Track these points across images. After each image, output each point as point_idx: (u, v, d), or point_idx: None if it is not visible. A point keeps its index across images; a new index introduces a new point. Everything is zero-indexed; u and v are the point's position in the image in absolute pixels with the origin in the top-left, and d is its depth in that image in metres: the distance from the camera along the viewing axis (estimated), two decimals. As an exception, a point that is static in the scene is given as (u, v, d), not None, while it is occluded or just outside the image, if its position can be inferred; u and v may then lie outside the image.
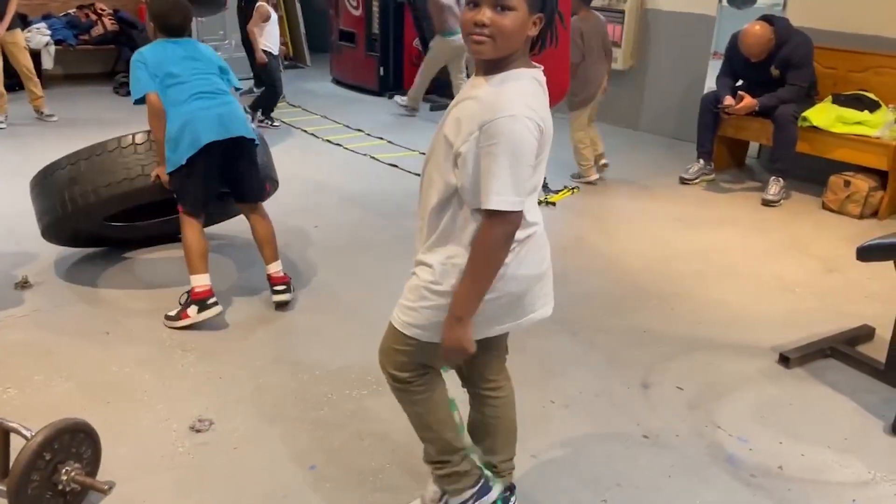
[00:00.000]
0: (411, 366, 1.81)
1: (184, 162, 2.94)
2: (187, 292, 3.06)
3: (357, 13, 7.88)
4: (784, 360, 2.93)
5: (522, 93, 1.55)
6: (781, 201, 4.82)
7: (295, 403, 2.61)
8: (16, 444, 1.98)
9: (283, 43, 6.42)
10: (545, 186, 4.90)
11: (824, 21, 5.09)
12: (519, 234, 1.63)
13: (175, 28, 3.11)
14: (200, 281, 3.04)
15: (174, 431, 2.43)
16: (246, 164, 3.15)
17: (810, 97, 4.92)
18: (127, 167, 3.14)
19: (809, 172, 5.05)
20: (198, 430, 2.42)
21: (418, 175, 1.78)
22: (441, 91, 7.44)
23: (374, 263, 3.77)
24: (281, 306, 3.24)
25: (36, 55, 7.09)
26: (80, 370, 2.77)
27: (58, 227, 3.35)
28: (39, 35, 7.20)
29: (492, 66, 1.58)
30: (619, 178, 5.29)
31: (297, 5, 9.01)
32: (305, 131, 6.35)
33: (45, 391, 2.64)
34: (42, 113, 6.35)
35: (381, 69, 7.83)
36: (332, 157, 5.69)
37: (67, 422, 2.01)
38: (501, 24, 1.50)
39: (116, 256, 3.76)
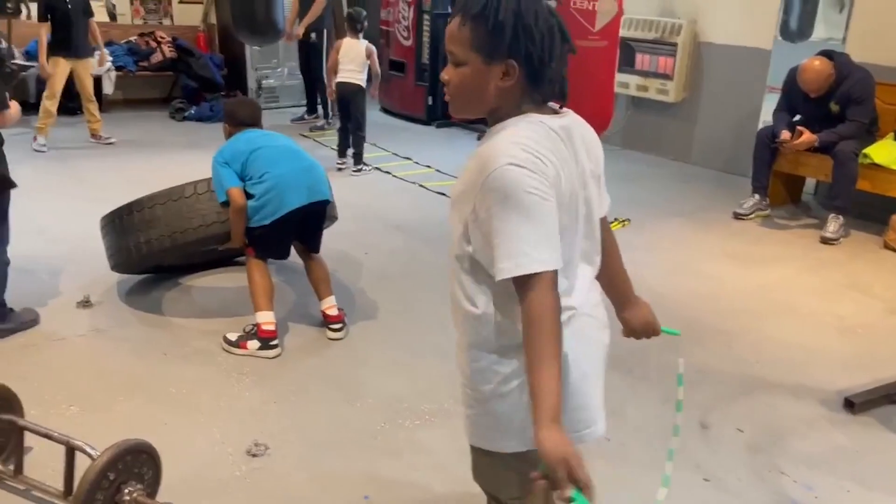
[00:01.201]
0: (517, 483, 1.49)
1: (266, 223, 3.01)
2: (254, 325, 3.10)
3: (408, 43, 7.99)
4: (849, 404, 2.83)
5: (519, 139, 1.33)
6: (840, 239, 4.70)
7: (348, 431, 2.61)
8: (80, 463, 2.01)
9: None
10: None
11: (885, 56, 4.99)
12: None
13: (244, 120, 3.23)
14: (267, 318, 3.08)
15: (230, 455, 2.44)
16: (320, 221, 3.28)
17: (871, 133, 4.81)
18: (203, 213, 3.18)
19: (870, 210, 4.93)
20: (253, 455, 2.43)
21: None
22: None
23: (423, 292, 3.77)
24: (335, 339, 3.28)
25: (97, 80, 7.35)
26: (138, 390, 2.82)
27: (129, 264, 3.48)
28: (102, 61, 7.44)
29: (492, 118, 1.43)
30: (671, 212, 5.23)
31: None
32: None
33: (105, 410, 2.68)
34: (99, 137, 6.55)
35: (430, 99, 7.91)
36: (382, 185, 5.75)
37: (130, 442, 2.03)
38: (453, 81, 1.41)
39: (175, 280, 3.83)
